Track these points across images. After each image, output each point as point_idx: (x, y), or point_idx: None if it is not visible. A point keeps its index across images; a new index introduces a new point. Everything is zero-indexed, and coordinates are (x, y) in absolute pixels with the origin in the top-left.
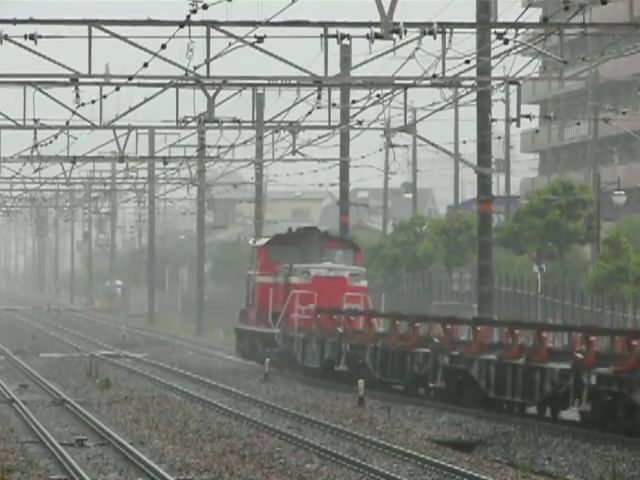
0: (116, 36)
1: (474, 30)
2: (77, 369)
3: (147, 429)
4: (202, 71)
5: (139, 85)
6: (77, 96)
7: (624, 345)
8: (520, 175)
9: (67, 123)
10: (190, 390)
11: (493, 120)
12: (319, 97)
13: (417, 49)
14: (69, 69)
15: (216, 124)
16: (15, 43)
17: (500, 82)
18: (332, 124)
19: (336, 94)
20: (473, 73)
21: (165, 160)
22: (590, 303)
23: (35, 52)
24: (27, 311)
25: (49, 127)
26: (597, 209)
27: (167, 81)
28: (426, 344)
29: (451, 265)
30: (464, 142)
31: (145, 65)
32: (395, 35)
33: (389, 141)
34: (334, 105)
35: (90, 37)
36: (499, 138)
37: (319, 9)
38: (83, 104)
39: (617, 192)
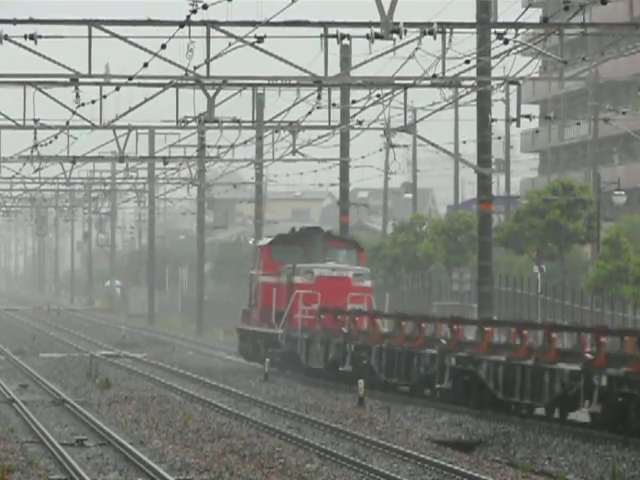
0: (116, 36)
1: (474, 30)
2: (77, 369)
3: (147, 429)
4: (202, 71)
5: (139, 85)
6: (77, 96)
7: (635, 346)
8: (520, 175)
9: (67, 123)
10: (190, 390)
11: (493, 120)
12: (319, 97)
13: (417, 49)
14: (69, 69)
15: (216, 124)
16: (15, 43)
17: (500, 82)
18: (332, 124)
19: (336, 94)
20: (473, 73)
21: (165, 160)
22: (590, 303)
23: (35, 52)
24: (27, 311)
25: (49, 127)
26: (597, 209)
27: (167, 81)
28: (433, 345)
29: (451, 265)
30: (464, 142)
31: (145, 65)
32: (395, 35)
33: (389, 141)
34: (334, 105)
35: (90, 37)
36: (499, 138)
37: (319, 9)
38: (83, 104)
39: (617, 192)
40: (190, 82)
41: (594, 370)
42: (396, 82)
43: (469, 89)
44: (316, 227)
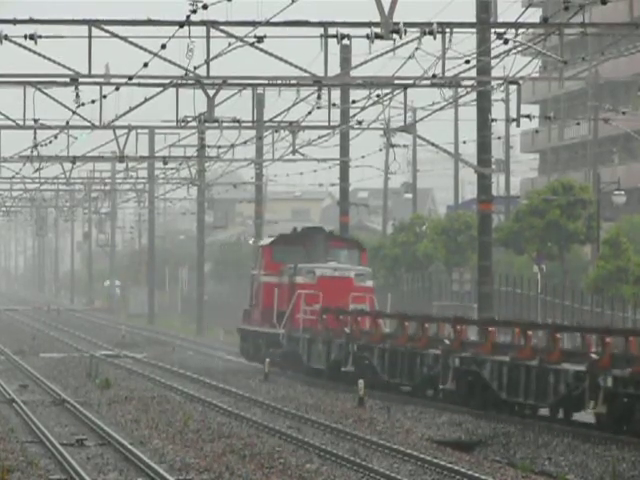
0: (116, 36)
1: (474, 30)
2: (77, 369)
3: (147, 429)
4: (202, 71)
5: (139, 85)
6: (77, 96)
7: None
8: (520, 175)
9: (67, 123)
10: (190, 390)
11: (493, 120)
12: (319, 97)
13: (417, 49)
14: (69, 69)
15: (216, 124)
16: (15, 43)
17: (500, 82)
18: (332, 124)
19: (336, 94)
20: (473, 73)
21: (165, 160)
22: (590, 303)
23: (35, 52)
24: (27, 311)
25: (49, 127)
26: (597, 209)
27: (167, 81)
28: (436, 345)
29: (451, 265)
30: (464, 142)
31: (145, 65)
32: (395, 35)
33: (389, 141)
34: (334, 105)
35: (90, 37)
36: (499, 138)
37: (319, 9)
38: (83, 104)
39: (617, 192)
40: (190, 82)
41: (599, 371)
42: (396, 82)
43: (469, 89)
44: (318, 227)
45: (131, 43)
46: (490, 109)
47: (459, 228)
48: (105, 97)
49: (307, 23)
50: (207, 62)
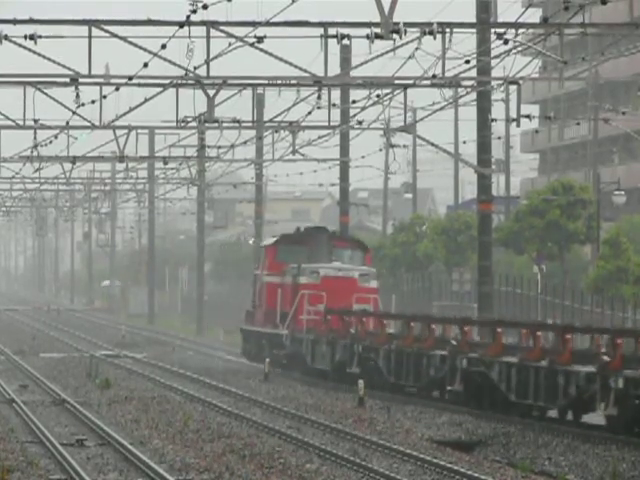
0: (116, 36)
1: (474, 30)
2: (77, 369)
3: (147, 429)
4: (202, 71)
5: (139, 85)
6: (77, 96)
7: None
8: (520, 175)
9: (67, 123)
10: (190, 390)
11: (493, 120)
12: (319, 97)
13: (417, 49)
14: (69, 69)
15: (216, 124)
16: (15, 43)
17: (500, 82)
18: (332, 124)
19: (336, 94)
20: (473, 73)
21: (165, 160)
22: (590, 303)
23: (35, 52)
24: (27, 311)
25: (49, 127)
26: (597, 209)
27: (167, 81)
28: (443, 346)
29: (451, 265)
30: (464, 142)
31: (145, 65)
32: (395, 35)
33: (389, 141)
34: (334, 105)
35: (90, 37)
36: (499, 138)
37: (319, 9)
38: (83, 104)
39: (617, 192)
40: (190, 82)
41: (610, 372)
42: (396, 82)
43: (469, 89)
44: (321, 227)
45: (131, 43)
46: (490, 109)
47: (459, 228)
48: (105, 97)
49: (307, 23)
50: (207, 62)
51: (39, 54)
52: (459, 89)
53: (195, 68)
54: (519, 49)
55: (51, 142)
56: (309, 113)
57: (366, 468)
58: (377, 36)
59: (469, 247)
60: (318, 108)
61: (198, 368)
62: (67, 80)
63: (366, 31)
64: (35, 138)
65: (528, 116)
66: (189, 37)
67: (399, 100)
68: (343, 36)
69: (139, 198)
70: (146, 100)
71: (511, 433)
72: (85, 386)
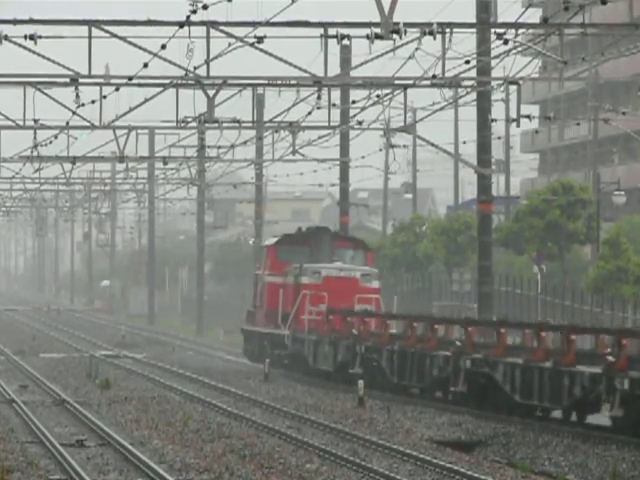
0: (116, 36)
1: (474, 30)
2: (77, 369)
3: (147, 429)
4: (202, 71)
5: (139, 85)
6: (77, 96)
7: None
8: (520, 175)
9: (67, 123)
10: (190, 390)
11: (493, 120)
12: (319, 97)
13: (417, 49)
14: (69, 69)
15: (216, 124)
16: (15, 43)
17: (500, 82)
18: (332, 124)
19: (336, 94)
20: (473, 73)
21: (165, 160)
22: (590, 303)
23: (35, 52)
24: (27, 311)
25: (49, 127)
26: (597, 209)
27: (167, 81)
28: (446, 347)
29: (451, 265)
30: (464, 142)
31: (145, 65)
32: (395, 35)
33: (389, 141)
34: (334, 105)
35: (90, 37)
36: (499, 138)
37: (319, 9)
38: (83, 104)
39: (617, 192)
40: (190, 82)
41: (616, 373)
42: (396, 82)
43: (469, 89)
44: (323, 227)
45: (131, 43)
46: (490, 109)
47: (459, 228)
48: (105, 97)
49: (307, 23)
50: (207, 62)
51: (39, 54)
52: (459, 89)
53: (195, 68)
54: (519, 49)
55: (51, 142)
56: (309, 113)
57: (366, 468)
58: (377, 36)
59: (469, 247)
60: (318, 108)
61: (198, 368)
62: (67, 80)
63: (366, 31)
64: (35, 138)
65: (528, 116)
66: (189, 37)
67: (399, 100)
68: (343, 36)
69: (139, 198)
70: (146, 100)
71: (511, 433)
72: (85, 386)
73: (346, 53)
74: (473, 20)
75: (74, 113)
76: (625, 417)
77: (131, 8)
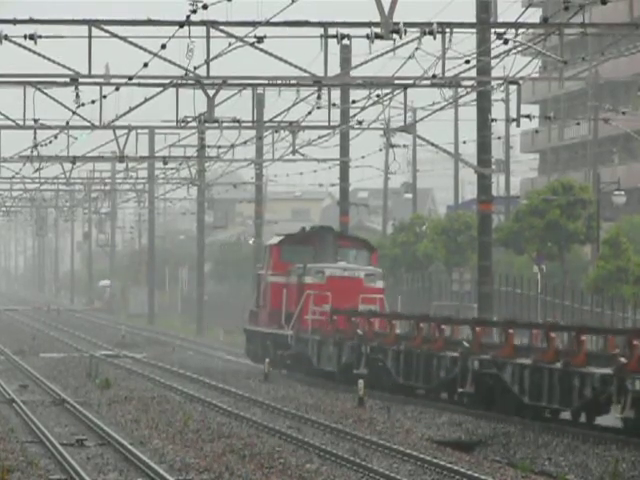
0: (116, 36)
1: (474, 30)
2: (77, 369)
3: (147, 429)
4: (202, 71)
5: (139, 85)
6: (77, 96)
7: None
8: (520, 175)
9: (67, 123)
10: (190, 390)
11: (493, 120)
12: (319, 97)
13: (417, 49)
14: (69, 69)
15: (216, 124)
16: (15, 43)
17: (500, 82)
18: (332, 124)
19: (336, 94)
20: (473, 73)
21: (165, 160)
22: (590, 303)
23: (35, 52)
24: (27, 311)
25: (49, 127)
26: (597, 209)
27: (167, 81)
28: (454, 347)
29: (451, 265)
30: (464, 142)
31: (145, 65)
32: (395, 35)
33: (389, 141)
34: (334, 105)
35: (90, 37)
36: (499, 138)
37: (319, 9)
38: (83, 104)
39: (617, 192)
40: (190, 82)
41: (627, 374)
42: (396, 82)
43: (469, 89)
44: (327, 226)
45: (131, 43)
46: (490, 109)
47: (459, 228)
48: (105, 97)
49: (307, 23)
50: (207, 62)
51: (39, 54)
52: (459, 89)
53: (195, 68)
54: (519, 49)
55: (51, 142)
56: (309, 113)
57: (366, 468)
58: (377, 36)
59: (469, 247)
60: (318, 108)
61: (198, 368)
62: (67, 80)
63: (366, 31)
64: (35, 138)
65: (528, 116)
66: (189, 37)
67: (399, 100)
68: (343, 36)
69: (139, 198)
70: (146, 100)
71: (511, 433)
72: (85, 386)
73: (346, 53)
74: (473, 20)
75: (74, 113)
76: (636, 418)
77: (131, 8)
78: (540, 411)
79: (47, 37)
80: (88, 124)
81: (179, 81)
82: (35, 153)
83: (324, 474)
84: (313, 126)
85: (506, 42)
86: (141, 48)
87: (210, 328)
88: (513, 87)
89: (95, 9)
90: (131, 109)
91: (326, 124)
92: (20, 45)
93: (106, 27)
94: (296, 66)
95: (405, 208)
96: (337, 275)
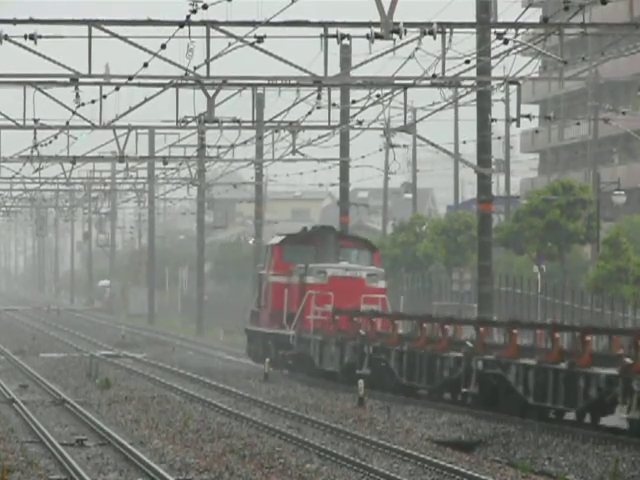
0: (116, 36)
1: (474, 30)
2: (77, 369)
3: (147, 429)
4: (202, 71)
5: (139, 85)
6: (77, 96)
7: None
8: (520, 175)
9: (67, 123)
10: (190, 390)
11: (493, 120)
12: (319, 97)
13: (417, 49)
14: (69, 69)
15: (216, 124)
16: (15, 43)
17: (500, 82)
18: (332, 124)
19: (336, 94)
20: (473, 73)
21: (165, 160)
22: (590, 303)
23: (35, 52)
24: (27, 311)
25: (49, 127)
26: (597, 209)
27: (167, 81)
28: (457, 347)
29: (451, 265)
30: (464, 142)
31: (145, 65)
32: (395, 35)
33: (389, 141)
34: (334, 105)
35: (90, 37)
36: (499, 138)
37: (319, 9)
38: (83, 104)
39: (617, 192)
40: (190, 82)
41: (633, 374)
42: (396, 82)
43: (469, 89)
44: (328, 226)
45: (131, 43)
46: (490, 109)
47: (459, 228)
48: (105, 97)
49: (307, 23)
50: (207, 62)
51: (39, 54)
52: (459, 89)
53: (195, 68)
54: (519, 49)
55: (51, 142)
56: (309, 113)
57: (366, 468)
58: (377, 36)
59: (469, 247)
60: (318, 108)
61: (198, 368)
62: (67, 80)
63: (366, 31)
64: (35, 138)
65: (528, 116)
66: (189, 37)
67: (399, 100)
68: (343, 36)
69: (139, 198)
70: (146, 100)
71: (511, 433)
72: (85, 386)
73: (346, 53)
74: (473, 20)
75: (74, 113)
76: None
77: (131, 8)
78: (545, 412)
79: (47, 37)
80: (88, 124)
81: (179, 81)
82: (35, 153)
83: (324, 474)
84: (313, 126)
85: (506, 42)
86: (141, 48)
87: (210, 328)
88: (513, 87)
89: (95, 9)
90: (131, 109)
91: (326, 124)
92: (20, 45)
93: (106, 27)
94: (296, 66)
95: (405, 208)
96: (339, 275)
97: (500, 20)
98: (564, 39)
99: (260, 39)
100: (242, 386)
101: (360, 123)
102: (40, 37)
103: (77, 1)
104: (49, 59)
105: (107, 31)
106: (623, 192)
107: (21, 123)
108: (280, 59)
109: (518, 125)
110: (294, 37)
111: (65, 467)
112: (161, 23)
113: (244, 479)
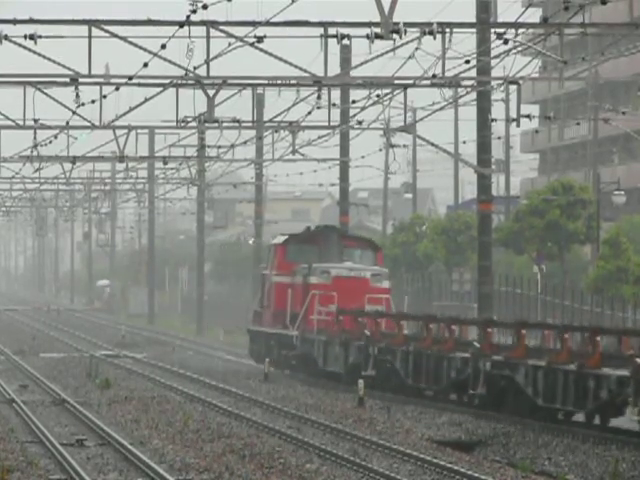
0: (116, 36)
1: (474, 30)
2: (77, 369)
3: (147, 429)
4: (202, 71)
5: (139, 85)
6: (77, 96)
7: None
8: (520, 175)
9: (67, 123)
10: (190, 390)
11: (493, 120)
12: (319, 97)
13: (417, 49)
14: (69, 69)
15: (216, 124)
16: (15, 43)
17: (500, 82)
18: (332, 124)
19: (336, 94)
20: (473, 73)
21: (165, 160)
22: (590, 303)
23: (35, 52)
24: (27, 311)
25: (49, 127)
26: (597, 209)
27: (167, 81)
28: (464, 348)
29: (451, 265)
30: (464, 142)
31: (145, 65)
32: (395, 35)
33: (389, 141)
34: (334, 105)
35: (90, 37)
36: (499, 138)
37: (319, 9)
38: (83, 104)
39: (617, 192)
40: (190, 82)
41: None
42: (396, 82)
43: (469, 89)
44: (332, 226)
45: (131, 43)
46: (490, 109)
47: (459, 228)
48: (105, 97)
49: (307, 23)
50: (207, 62)
51: (39, 54)
52: (459, 89)
53: (195, 68)
54: (519, 49)
55: (51, 142)
56: (309, 113)
57: (366, 468)
58: (377, 36)
59: (469, 247)
60: (318, 108)
61: (198, 368)
62: (67, 80)
63: (366, 31)
64: (35, 138)
65: (528, 116)
66: (189, 37)
67: (399, 100)
68: (343, 36)
69: (139, 198)
70: (146, 100)
71: (511, 433)
72: (85, 386)
73: (346, 53)
74: (473, 20)
75: (74, 113)
76: None
77: (131, 8)
78: (553, 413)
79: (47, 37)
80: (88, 124)
81: (179, 81)
82: (35, 153)
83: (324, 474)
84: (313, 126)
85: (506, 42)
86: (141, 48)
87: (210, 328)
88: (513, 87)
89: (95, 9)
90: (131, 109)
91: (326, 124)
92: (20, 45)
93: (106, 27)
94: (296, 66)
95: (405, 208)
96: (343, 275)
97: (500, 20)
98: (564, 39)
99: (260, 39)
100: (242, 386)
101: (360, 123)
102: (40, 37)
103: (77, 1)
104: (49, 59)
105: (107, 31)
106: (623, 192)
107: (21, 123)
108: (280, 59)
109: (518, 125)
110: (294, 37)
111: (65, 467)
112: (161, 23)
113: (244, 479)
